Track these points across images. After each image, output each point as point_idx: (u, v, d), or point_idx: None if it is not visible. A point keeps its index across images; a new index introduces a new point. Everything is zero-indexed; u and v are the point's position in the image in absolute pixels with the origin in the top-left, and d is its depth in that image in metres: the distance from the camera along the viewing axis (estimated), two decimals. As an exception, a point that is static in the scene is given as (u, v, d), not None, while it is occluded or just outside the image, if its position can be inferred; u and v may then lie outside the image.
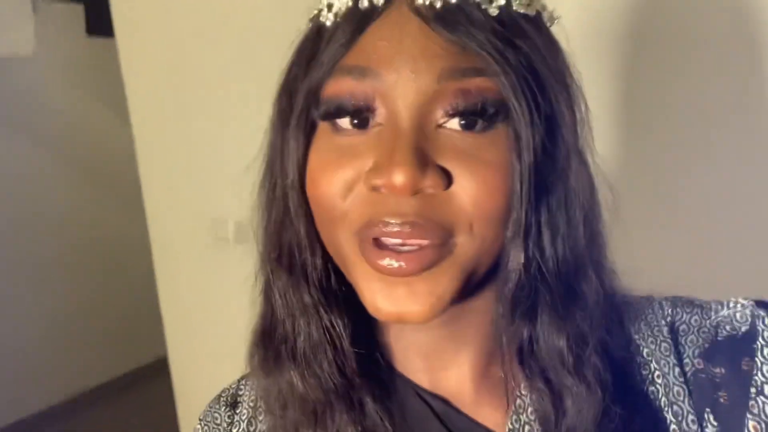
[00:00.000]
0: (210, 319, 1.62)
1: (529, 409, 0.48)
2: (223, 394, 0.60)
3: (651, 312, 0.52)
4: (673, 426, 0.47)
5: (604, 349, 0.46)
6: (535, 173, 0.42)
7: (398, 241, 0.41)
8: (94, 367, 3.63)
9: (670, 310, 0.51)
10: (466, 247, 0.42)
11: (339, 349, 0.48)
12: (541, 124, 0.43)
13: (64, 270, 3.51)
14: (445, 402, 0.50)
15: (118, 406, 3.49)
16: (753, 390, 0.45)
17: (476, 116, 0.42)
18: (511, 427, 0.48)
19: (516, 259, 0.43)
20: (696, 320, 0.50)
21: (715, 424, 0.46)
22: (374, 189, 0.42)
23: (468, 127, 0.42)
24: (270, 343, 0.51)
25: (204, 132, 1.51)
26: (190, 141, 1.55)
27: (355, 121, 0.43)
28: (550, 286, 0.44)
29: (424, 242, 0.41)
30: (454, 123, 0.42)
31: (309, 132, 0.46)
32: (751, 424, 0.44)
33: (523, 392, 0.48)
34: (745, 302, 0.49)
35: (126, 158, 2.13)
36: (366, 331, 0.50)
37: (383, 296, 0.42)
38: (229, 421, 0.57)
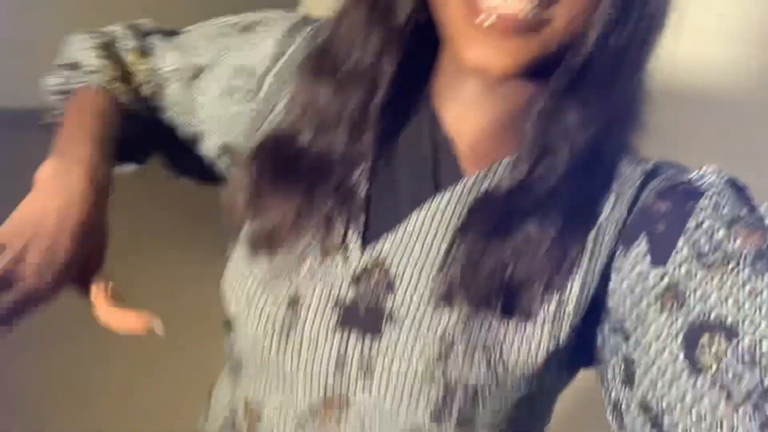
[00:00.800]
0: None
1: (504, 167, 0.54)
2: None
3: (635, 161, 0.54)
4: (590, 247, 0.51)
5: (592, 150, 0.51)
6: None
7: (498, 2, 0.46)
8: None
9: (651, 166, 0.54)
10: (560, 21, 0.47)
11: (375, 88, 0.54)
12: None
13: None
14: (449, 141, 0.56)
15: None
16: (693, 222, 0.47)
17: None
18: (480, 174, 0.54)
19: (592, 37, 0.47)
20: (667, 173, 0.52)
21: (648, 245, 0.48)
22: None
23: None
24: (322, 57, 0.57)
25: None
26: None
27: None
28: (600, 70, 0.49)
29: (526, 6, 0.46)
30: None
31: None
32: (684, 249, 0.46)
33: (512, 156, 0.54)
34: (717, 170, 0.50)
35: None
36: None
37: (477, 48, 0.47)
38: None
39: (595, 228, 0.51)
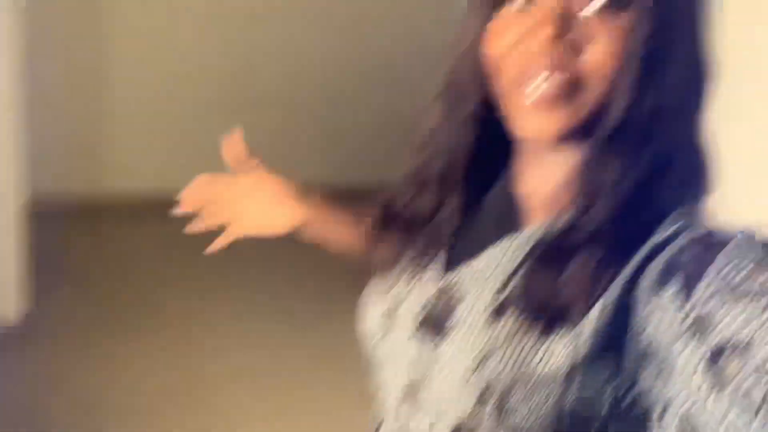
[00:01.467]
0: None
1: (562, 217, 0.64)
2: None
3: (685, 215, 0.60)
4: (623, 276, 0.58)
5: (638, 198, 0.60)
6: (647, 55, 0.58)
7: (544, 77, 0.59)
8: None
9: (688, 222, 0.59)
10: (590, 92, 0.59)
11: (455, 160, 0.71)
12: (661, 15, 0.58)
13: None
14: (523, 198, 0.69)
15: None
16: (722, 260, 0.53)
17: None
18: (543, 223, 0.65)
19: (620, 100, 0.59)
20: (698, 228, 0.59)
21: (677, 285, 0.54)
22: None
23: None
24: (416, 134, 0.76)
25: None
26: None
27: None
28: (635, 128, 0.60)
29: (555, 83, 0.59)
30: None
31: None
32: (712, 285, 0.52)
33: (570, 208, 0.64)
34: (747, 227, 0.56)
35: None
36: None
37: (529, 120, 0.62)
38: None
39: (628, 266, 0.59)
